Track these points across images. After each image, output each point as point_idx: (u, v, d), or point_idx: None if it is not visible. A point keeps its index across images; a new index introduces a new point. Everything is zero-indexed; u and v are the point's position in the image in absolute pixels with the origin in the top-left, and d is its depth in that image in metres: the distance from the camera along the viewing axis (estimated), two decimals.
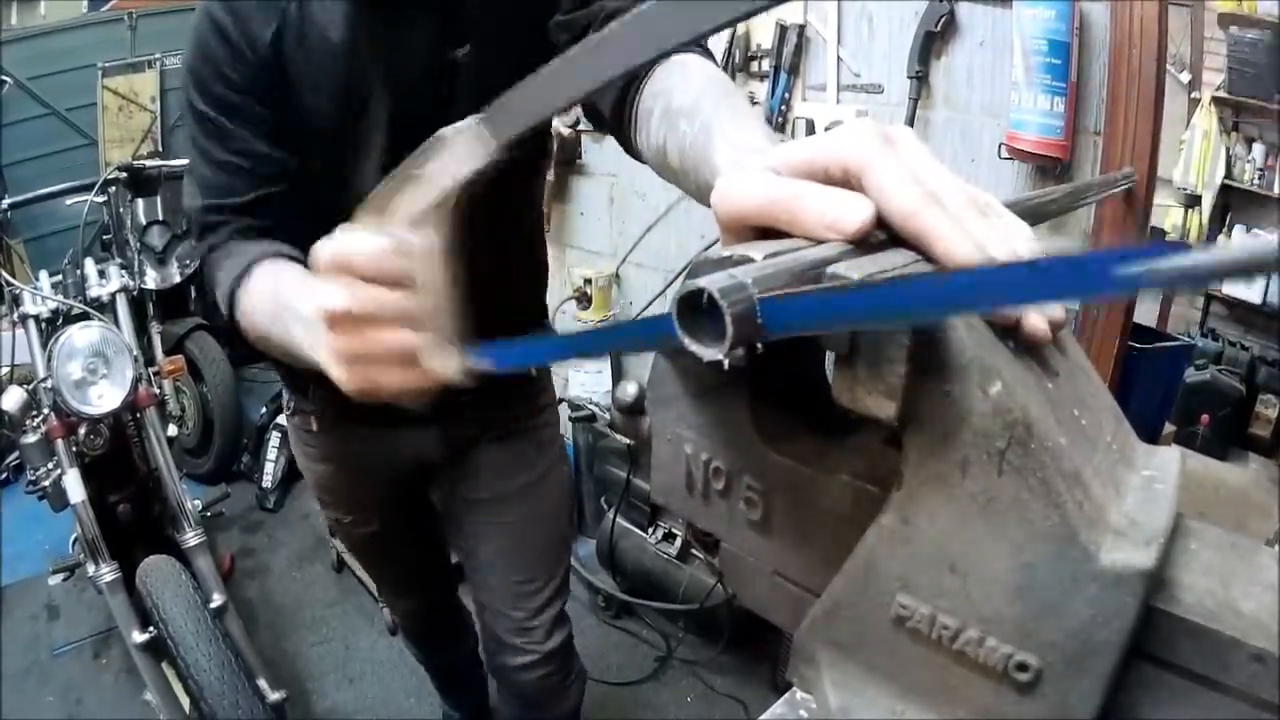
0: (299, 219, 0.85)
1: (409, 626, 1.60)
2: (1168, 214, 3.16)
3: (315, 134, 0.87)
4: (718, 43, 1.92)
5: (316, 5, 0.82)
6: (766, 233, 0.33)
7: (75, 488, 1.63)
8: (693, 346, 0.26)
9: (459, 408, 1.08)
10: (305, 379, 1.08)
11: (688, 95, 0.59)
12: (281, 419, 2.64)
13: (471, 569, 1.27)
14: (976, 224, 0.30)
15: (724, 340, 0.24)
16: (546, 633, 1.24)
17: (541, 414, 1.20)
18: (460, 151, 0.44)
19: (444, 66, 0.84)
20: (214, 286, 0.80)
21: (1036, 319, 0.29)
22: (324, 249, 0.48)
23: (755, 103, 1.87)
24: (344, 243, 0.47)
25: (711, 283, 0.24)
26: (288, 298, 0.63)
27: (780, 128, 1.84)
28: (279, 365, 1.08)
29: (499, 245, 0.98)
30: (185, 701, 1.53)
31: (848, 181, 0.32)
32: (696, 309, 0.25)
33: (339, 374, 0.49)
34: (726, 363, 0.25)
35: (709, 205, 0.54)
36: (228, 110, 0.82)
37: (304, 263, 0.70)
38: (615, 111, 0.68)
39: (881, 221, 0.31)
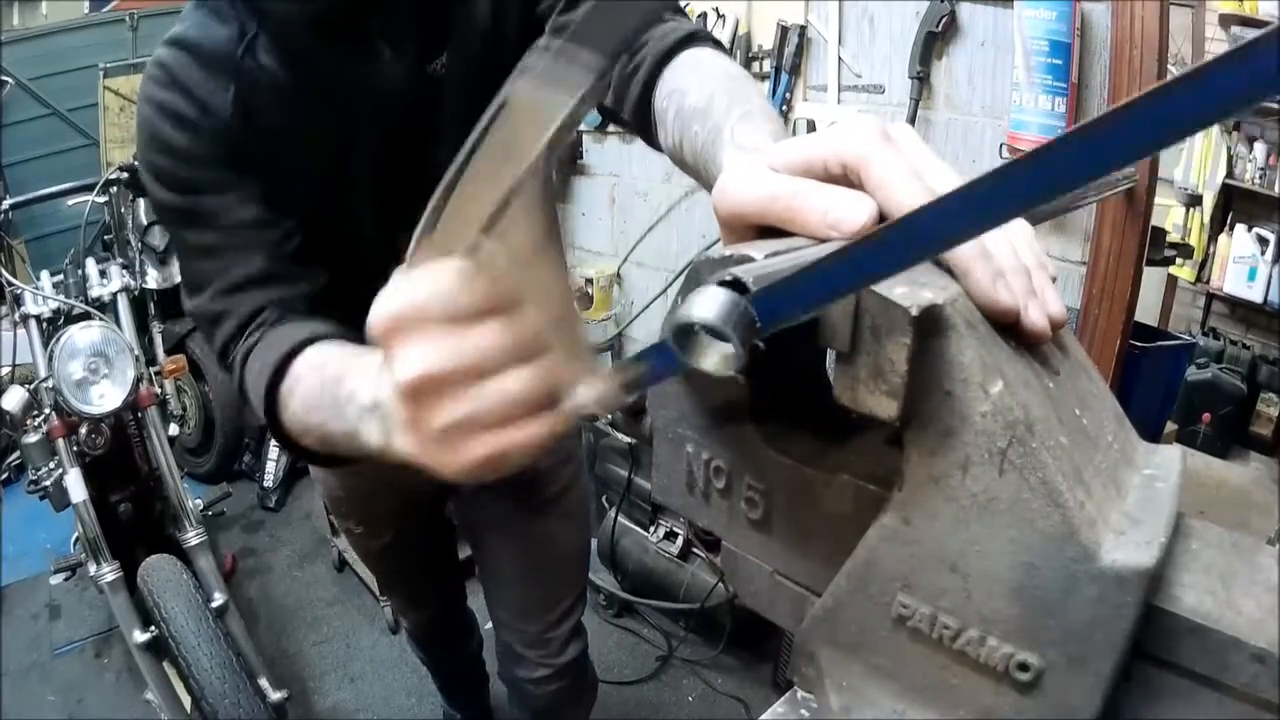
0: (329, 287, 0.74)
1: (417, 633, 1.58)
2: (1169, 214, 3.15)
3: (305, 191, 0.77)
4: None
5: (269, 51, 0.73)
6: (767, 231, 0.33)
7: (76, 487, 1.64)
8: (701, 365, 0.26)
9: None
10: None
11: (700, 96, 0.58)
12: None
13: (488, 580, 1.24)
14: None
15: (732, 354, 0.24)
16: (562, 645, 1.21)
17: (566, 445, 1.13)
18: (537, 109, 0.32)
19: (423, 83, 0.77)
20: (244, 392, 0.66)
21: (1037, 315, 0.29)
22: (378, 310, 0.35)
23: None
24: (401, 291, 0.34)
25: (705, 310, 0.24)
26: (345, 387, 0.48)
27: None
28: None
29: None
30: (186, 701, 1.53)
31: (848, 178, 0.32)
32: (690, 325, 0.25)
33: (442, 460, 0.36)
34: (742, 379, 0.25)
35: None
36: (199, 189, 0.72)
37: (350, 336, 0.58)
38: (636, 111, 0.67)
39: (883, 219, 0.31)
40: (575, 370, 0.35)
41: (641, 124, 0.68)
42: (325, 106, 0.76)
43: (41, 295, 1.81)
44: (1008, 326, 0.28)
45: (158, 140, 0.72)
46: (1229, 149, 3.13)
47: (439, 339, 0.34)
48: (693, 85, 0.60)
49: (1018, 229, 0.32)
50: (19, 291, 1.80)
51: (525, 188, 0.32)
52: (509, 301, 0.34)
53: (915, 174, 0.30)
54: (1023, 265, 0.29)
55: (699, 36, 0.66)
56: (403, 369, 0.34)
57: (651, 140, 0.68)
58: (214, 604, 1.62)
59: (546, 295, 0.34)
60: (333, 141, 0.77)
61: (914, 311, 0.25)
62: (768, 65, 1.83)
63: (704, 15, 1.93)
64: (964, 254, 0.28)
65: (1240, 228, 3.14)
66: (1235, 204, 3.19)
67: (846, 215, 0.30)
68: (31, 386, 1.71)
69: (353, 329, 0.43)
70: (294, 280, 0.72)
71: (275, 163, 0.74)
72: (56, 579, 1.93)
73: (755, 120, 0.51)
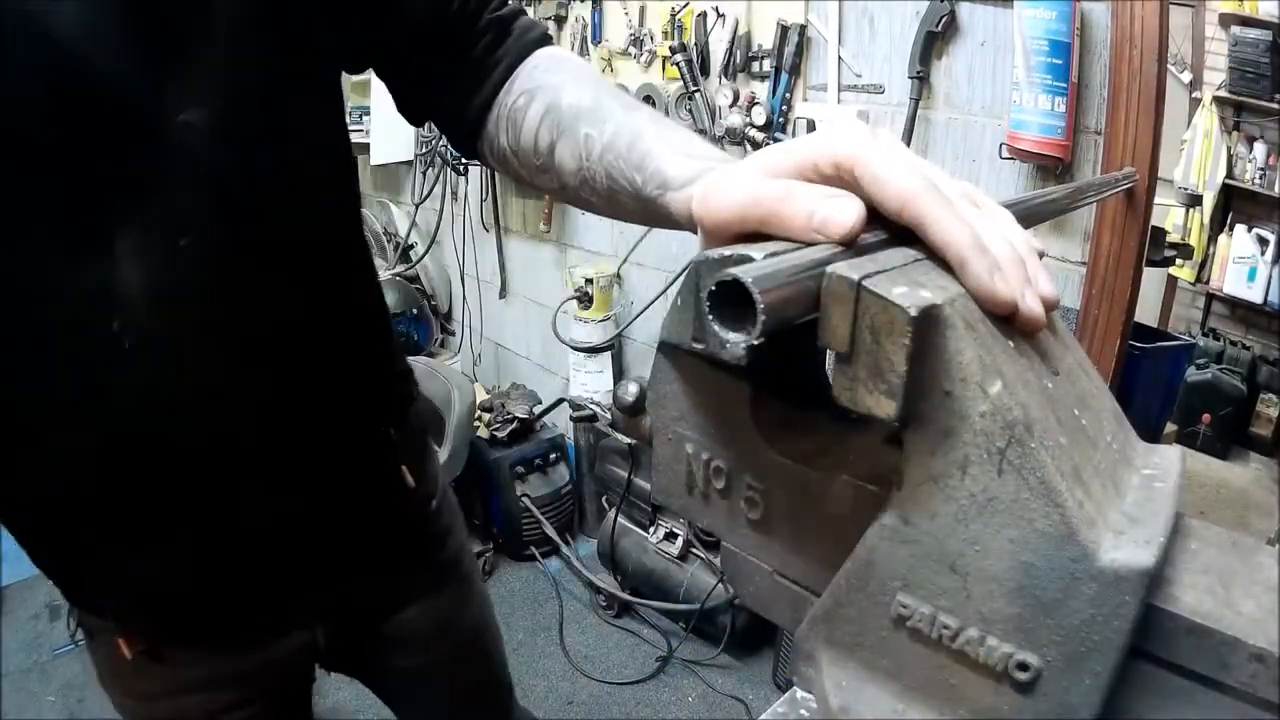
0: None
1: None
2: (1169, 214, 3.16)
3: None
4: (719, 44, 1.92)
5: None
6: (756, 235, 0.33)
7: None
8: (725, 335, 0.26)
9: (345, 596, 0.80)
10: (104, 584, 0.73)
11: (581, 95, 0.53)
12: None
13: None
14: (972, 212, 0.30)
15: (753, 326, 0.24)
16: None
17: (446, 545, 0.89)
18: None
19: (154, 129, 0.49)
20: None
21: (1034, 304, 0.28)
22: None
23: (756, 103, 1.87)
24: None
25: (746, 271, 0.25)
26: None
27: (781, 128, 1.84)
28: (50, 570, 0.78)
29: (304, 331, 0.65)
30: None
31: (840, 178, 0.32)
32: (719, 302, 0.25)
33: None
34: (746, 352, 0.25)
35: (630, 212, 0.51)
36: None
37: None
38: (474, 111, 0.59)
39: (877, 219, 0.31)
40: None
41: (473, 125, 0.60)
42: None
43: None
44: (1003, 317, 0.28)
45: None
46: (1229, 149, 3.14)
47: None
48: (565, 83, 0.55)
49: (1004, 217, 0.32)
50: None
51: None
52: None
53: (910, 167, 0.30)
54: (1018, 255, 0.29)
55: (549, 38, 0.62)
56: None
57: (475, 140, 0.61)
58: None
59: None
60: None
61: (913, 311, 0.25)
62: (768, 65, 1.83)
63: (704, 15, 1.93)
64: (961, 247, 0.28)
65: (1240, 228, 3.15)
66: (1235, 204, 3.20)
67: (833, 216, 0.29)
68: None
69: None
70: None
71: None
72: None
73: (673, 126, 0.49)
